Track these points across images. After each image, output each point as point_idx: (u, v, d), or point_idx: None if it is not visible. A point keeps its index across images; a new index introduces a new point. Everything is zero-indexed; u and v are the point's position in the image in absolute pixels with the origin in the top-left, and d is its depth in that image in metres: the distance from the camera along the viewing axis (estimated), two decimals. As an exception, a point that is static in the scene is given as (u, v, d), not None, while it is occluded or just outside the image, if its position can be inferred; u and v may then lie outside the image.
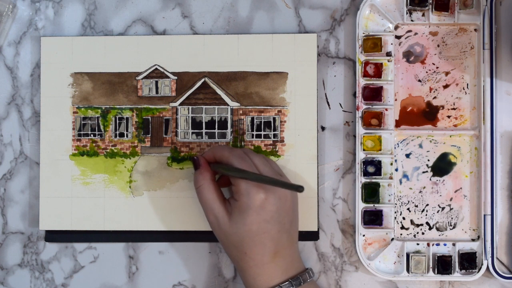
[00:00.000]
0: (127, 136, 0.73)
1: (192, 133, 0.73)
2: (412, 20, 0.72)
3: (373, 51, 0.71)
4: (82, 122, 0.73)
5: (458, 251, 0.71)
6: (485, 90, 0.71)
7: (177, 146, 0.73)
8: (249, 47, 0.73)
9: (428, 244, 0.71)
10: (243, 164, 0.64)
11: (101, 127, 0.73)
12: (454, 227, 0.72)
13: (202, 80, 0.73)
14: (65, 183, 0.73)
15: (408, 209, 0.72)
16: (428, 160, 0.72)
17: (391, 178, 0.71)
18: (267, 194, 0.63)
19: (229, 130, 0.73)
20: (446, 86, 0.73)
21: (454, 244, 0.71)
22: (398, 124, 0.72)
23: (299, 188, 0.60)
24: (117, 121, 0.73)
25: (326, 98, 0.73)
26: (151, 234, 0.73)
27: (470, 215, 0.72)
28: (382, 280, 0.72)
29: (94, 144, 0.73)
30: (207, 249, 0.73)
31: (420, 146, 0.72)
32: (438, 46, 0.73)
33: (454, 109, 0.72)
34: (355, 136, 0.72)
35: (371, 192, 0.71)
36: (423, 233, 0.72)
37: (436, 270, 0.70)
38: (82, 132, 0.73)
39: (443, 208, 0.72)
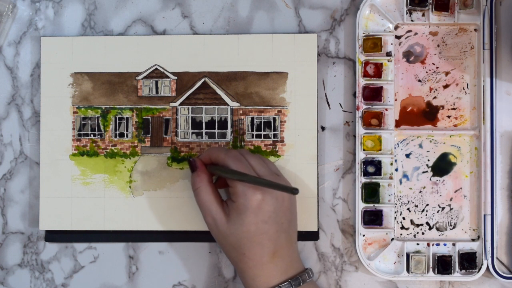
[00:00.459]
0: (127, 136, 0.73)
1: (192, 133, 0.73)
2: (412, 20, 0.72)
3: (373, 51, 0.71)
4: (82, 122, 0.73)
5: (458, 251, 0.71)
6: (485, 90, 0.71)
7: (177, 146, 0.73)
8: (249, 47, 0.73)
9: (428, 244, 0.71)
10: (239, 165, 0.65)
11: (101, 127, 0.73)
12: (454, 227, 0.72)
13: (202, 80, 0.73)
14: (65, 183, 0.73)
15: (408, 209, 0.72)
16: (428, 160, 0.72)
17: (391, 178, 0.71)
18: (264, 194, 0.63)
19: (229, 130, 0.73)
20: (446, 86, 0.73)
21: (454, 244, 0.71)
22: (398, 124, 0.72)
23: (294, 191, 0.60)
24: (117, 121, 0.73)
25: (326, 98, 0.73)
26: (151, 234, 0.73)
27: (470, 215, 0.72)
28: (382, 280, 0.72)
29: (94, 144, 0.73)
30: (207, 249, 0.73)
31: (420, 146, 0.72)
32: (438, 46, 0.73)
33: (454, 109, 0.72)
34: (355, 136, 0.72)
35: (371, 192, 0.71)
36: (423, 233, 0.72)
37: (436, 270, 0.70)
38: (82, 132, 0.73)
39: (443, 208, 0.72)
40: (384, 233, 0.71)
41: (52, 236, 0.73)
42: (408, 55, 0.73)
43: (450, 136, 0.72)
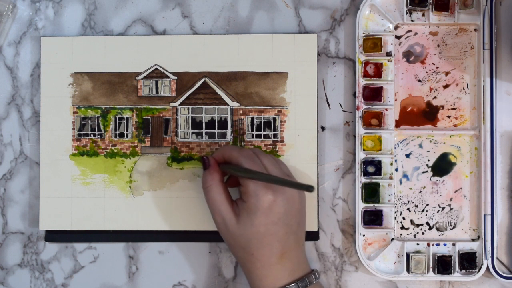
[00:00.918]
0: (127, 136, 0.73)
1: (192, 133, 0.73)
2: (412, 20, 0.72)
3: (373, 51, 0.71)
4: (82, 122, 0.73)
5: (458, 251, 0.71)
6: (485, 90, 0.71)
7: (177, 146, 0.73)
8: (249, 47, 0.73)
9: (428, 244, 0.71)
10: (252, 164, 0.64)
11: (101, 127, 0.73)
12: (454, 227, 0.72)
13: (202, 80, 0.73)
14: (65, 183, 0.73)
15: (408, 209, 0.72)
16: (428, 160, 0.72)
17: (391, 178, 0.71)
18: (275, 195, 0.63)
19: (229, 130, 0.73)
20: (446, 86, 0.73)
21: (454, 244, 0.71)
22: (398, 124, 0.72)
23: (309, 188, 0.59)
24: (117, 121, 0.73)
25: (326, 98, 0.73)
26: (151, 234, 0.73)
27: (470, 215, 0.72)
28: (382, 280, 0.72)
29: (94, 144, 0.73)
30: (207, 249, 0.73)
31: (420, 146, 0.72)
32: (438, 46, 0.73)
33: (454, 109, 0.72)
34: (355, 136, 0.72)
35: (371, 192, 0.71)
36: (423, 233, 0.72)
37: (436, 270, 0.70)
38: (82, 132, 0.73)
39: (443, 208, 0.72)
40: (384, 233, 0.71)
41: (52, 236, 0.73)
42: (408, 55, 0.73)
43: (450, 136, 0.72)
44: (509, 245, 0.71)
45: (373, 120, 0.71)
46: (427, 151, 0.72)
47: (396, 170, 0.72)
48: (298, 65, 0.72)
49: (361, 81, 0.72)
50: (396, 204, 0.72)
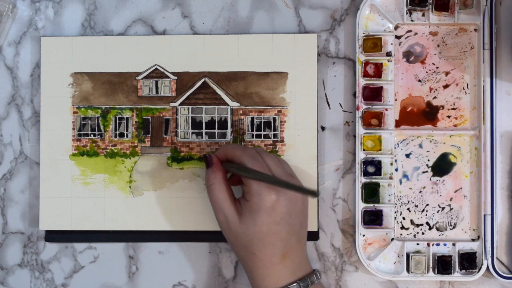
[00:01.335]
0: (127, 136, 0.73)
1: (192, 133, 0.73)
2: (412, 20, 0.72)
3: (373, 51, 0.71)
4: (82, 122, 0.73)
5: (458, 251, 0.71)
6: (485, 90, 0.71)
7: (177, 146, 0.73)
8: (249, 47, 0.73)
9: (428, 244, 0.71)
10: (255, 164, 0.64)
11: (101, 127, 0.73)
12: (454, 227, 0.72)
13: (202, 80, 0.73)
14: (65, 183, 0.73)
15: (408, 209, 0.72)
16: (428, 160, 0.72)
17: (391, 178, 0.71)
18: (278, 195, 0.63)
19: (229, 130, 0.73)
20: (446, 86, 0.73)
21: (454, 244, 0.71)
22: (398, 124, 0.72)
23: (314, 193, 0.60)
24: (117, 121, 0.73)
25: (326, 98, 0.73)
26: (151, 234, 0.73)
27: (470, 215, 0.72)
28: (382, 280, 0.72)
29: (94, 144, 0.73)
30: (207, 249, 0.73)
31: (420, 146, 0.72)
32: (438, 46, 0.73)
33: (454, 109, 0.72)
34: (355, 136, 0.72)
35: (371, 192, 0.71)
36: (423, 233, 0.72)
37: (436, 270, 0.70)
38: (82, 132, 0.73)
39: (443, 208, 0.72)
40: (384, 233, 0.71)
41: (52, 236, 0.73)
42: (408, 55, 0.73)
43: (450, 136, 0.72)
44: (509, 245, 0.71)
45: (373, 120, 0.71)
46: (427, 151, 0.72)
47: (396, 170, 0.72)
48: (298, 65, 0.72)
49: (361, 81, 0.72)
50: (396, 204, 0.72)
